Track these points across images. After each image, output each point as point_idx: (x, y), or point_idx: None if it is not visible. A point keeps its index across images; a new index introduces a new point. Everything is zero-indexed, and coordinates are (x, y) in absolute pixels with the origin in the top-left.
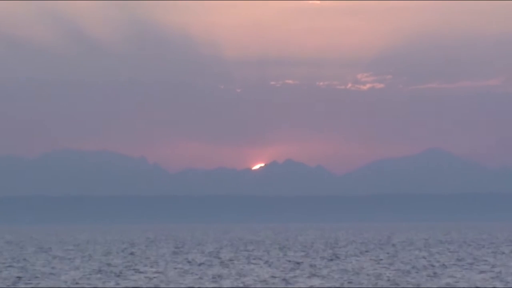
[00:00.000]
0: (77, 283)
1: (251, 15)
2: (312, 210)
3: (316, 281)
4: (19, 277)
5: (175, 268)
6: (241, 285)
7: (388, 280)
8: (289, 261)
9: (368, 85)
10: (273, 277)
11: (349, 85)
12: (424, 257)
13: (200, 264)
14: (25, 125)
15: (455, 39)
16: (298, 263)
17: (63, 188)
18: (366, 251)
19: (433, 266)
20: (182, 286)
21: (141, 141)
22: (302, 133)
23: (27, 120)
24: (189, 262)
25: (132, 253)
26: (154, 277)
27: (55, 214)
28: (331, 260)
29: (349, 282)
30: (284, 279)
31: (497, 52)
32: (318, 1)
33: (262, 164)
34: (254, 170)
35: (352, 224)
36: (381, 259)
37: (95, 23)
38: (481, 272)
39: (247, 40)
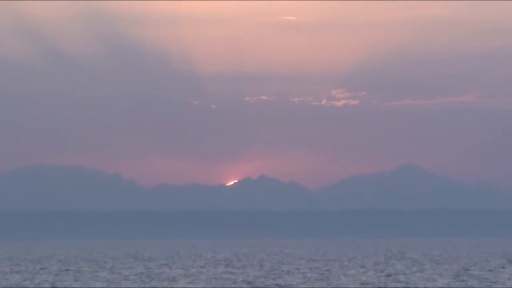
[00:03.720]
0: None
1: (226, 31)
2: (286, 225)
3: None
4: None
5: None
6: None
7: None
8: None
9: (342, 101)
10: None
11: (324, 101)
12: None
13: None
14: None
15: (429, 56)
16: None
17: (36, 203)
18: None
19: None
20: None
21: (116, 157)
22: (276, 149)
23: None
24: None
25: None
26: None
27: (28, 230)
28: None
29: None
30: None
31: (471, 68)
32: (293, 17)
33: (236, 180)
34: (228, 186)
35: (325, 240)
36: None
37: (69, 38)
38: None
39: (222, 56)
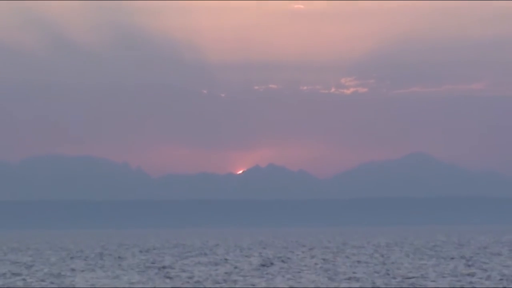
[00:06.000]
0: None
1: (234, 19)
2: (294, 214)
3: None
4: None
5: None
6: None
7: None
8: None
9: (351, 89)
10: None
11: (333, 89)
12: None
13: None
14: (7, 130)
15: (438, 43)
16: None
17: (46, 193)
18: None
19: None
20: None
21: (124, 146)
22: (284, 138)
23: (9, 124)
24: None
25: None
26: None
27: (37, 219)
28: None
29: None
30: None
31: (480, 56)
32: (302, 5)
33: (244, 169)
34: (237, 174)
35: (334, 228)
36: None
37: (78, 27)
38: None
39: (231, 44)
